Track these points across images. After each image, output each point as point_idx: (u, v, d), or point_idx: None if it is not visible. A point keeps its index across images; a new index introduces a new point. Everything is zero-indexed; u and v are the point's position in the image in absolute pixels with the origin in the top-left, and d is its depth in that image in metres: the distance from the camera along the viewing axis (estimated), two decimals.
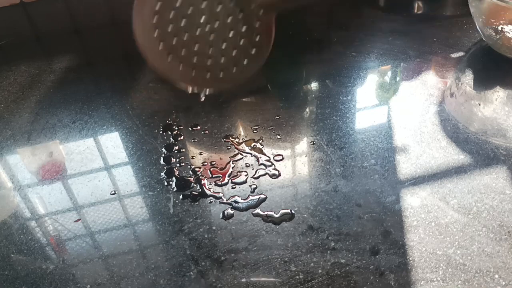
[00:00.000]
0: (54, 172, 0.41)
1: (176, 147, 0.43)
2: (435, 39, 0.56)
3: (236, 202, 0.37)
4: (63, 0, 0.71)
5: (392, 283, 0.30)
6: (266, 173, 0.39)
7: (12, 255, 0.34)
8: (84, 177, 0.40)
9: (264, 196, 0.37)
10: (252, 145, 0.42)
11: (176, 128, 0.45)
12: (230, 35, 0.41)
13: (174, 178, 0.39)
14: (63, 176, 0.41)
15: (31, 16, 0.69)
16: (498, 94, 0.47)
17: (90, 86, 0.53)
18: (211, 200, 0.37)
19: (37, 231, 0.36)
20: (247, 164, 0.40)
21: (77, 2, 0.71)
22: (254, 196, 0.37)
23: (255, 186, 0.38)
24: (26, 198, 0.39)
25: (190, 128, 0.45)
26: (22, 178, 0.41)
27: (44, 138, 0.45)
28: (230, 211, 0.36)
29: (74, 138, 0.45)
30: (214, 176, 0.40)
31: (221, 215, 0.36)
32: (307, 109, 0.47)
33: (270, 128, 0.44)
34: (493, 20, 0.50)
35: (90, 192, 0.39)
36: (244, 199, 0.37)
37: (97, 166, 0.41)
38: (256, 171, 0.40)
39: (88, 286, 0.31)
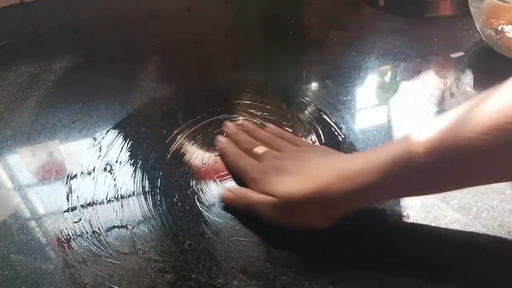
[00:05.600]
0: (54, 172, 0.41)
1: (177, 148, 0.43)
2: (435, 39, 0.56)
3: None
4: (63, 0, 0.71)
5: (392, 283, 0.30)
6: None
7: (12, 255, 0.34)
8: (84, 177, 0.40)
9: None
10: None
11: (177, 128, 0.45)
12: None
13: (174, 178, 0.39)
14: (63, 176, 0.41)
15: (31, 16, 0.70)
16: None
17: (90, 86, 0.53)
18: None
19: (37, 231, 0.36)
20: None
21: (77, 2, 0.71)
22: None
23: None
24: (26, 198, 0.39)
25: (190, 128, 0.45)
26: (22, 178, 0.41)
27: (44, 138, 0.45)
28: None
29: (74, 138, 0.45)
30: (214, 176, 0.40)
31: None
32: (307, 109, 0.47)
33: None
34: (493, 20, 0.50)
35: (90, 192, 0.39)
36: None
37: (97, 166, 0.41)
38: None
39: (88, 286, 0.31)
